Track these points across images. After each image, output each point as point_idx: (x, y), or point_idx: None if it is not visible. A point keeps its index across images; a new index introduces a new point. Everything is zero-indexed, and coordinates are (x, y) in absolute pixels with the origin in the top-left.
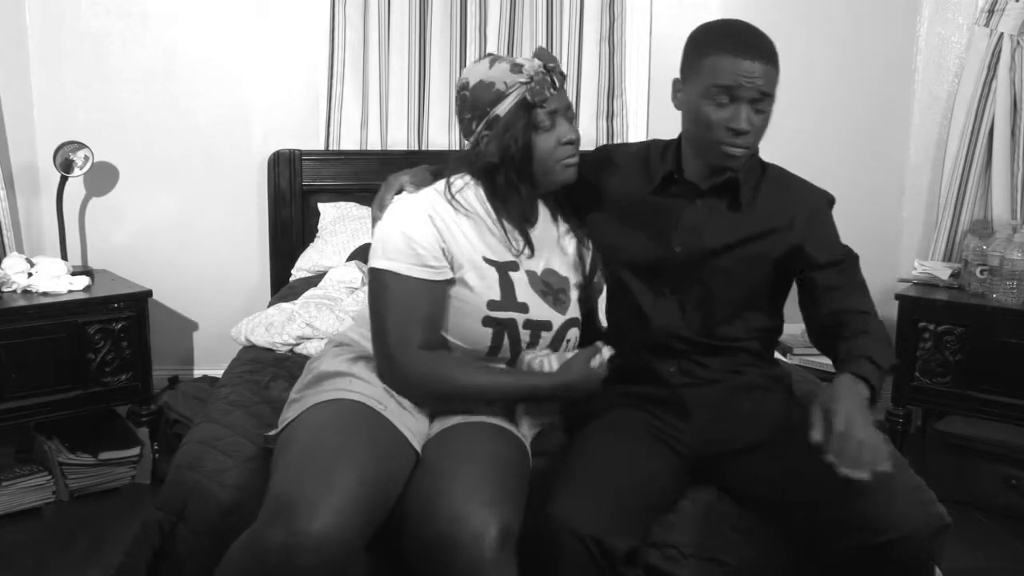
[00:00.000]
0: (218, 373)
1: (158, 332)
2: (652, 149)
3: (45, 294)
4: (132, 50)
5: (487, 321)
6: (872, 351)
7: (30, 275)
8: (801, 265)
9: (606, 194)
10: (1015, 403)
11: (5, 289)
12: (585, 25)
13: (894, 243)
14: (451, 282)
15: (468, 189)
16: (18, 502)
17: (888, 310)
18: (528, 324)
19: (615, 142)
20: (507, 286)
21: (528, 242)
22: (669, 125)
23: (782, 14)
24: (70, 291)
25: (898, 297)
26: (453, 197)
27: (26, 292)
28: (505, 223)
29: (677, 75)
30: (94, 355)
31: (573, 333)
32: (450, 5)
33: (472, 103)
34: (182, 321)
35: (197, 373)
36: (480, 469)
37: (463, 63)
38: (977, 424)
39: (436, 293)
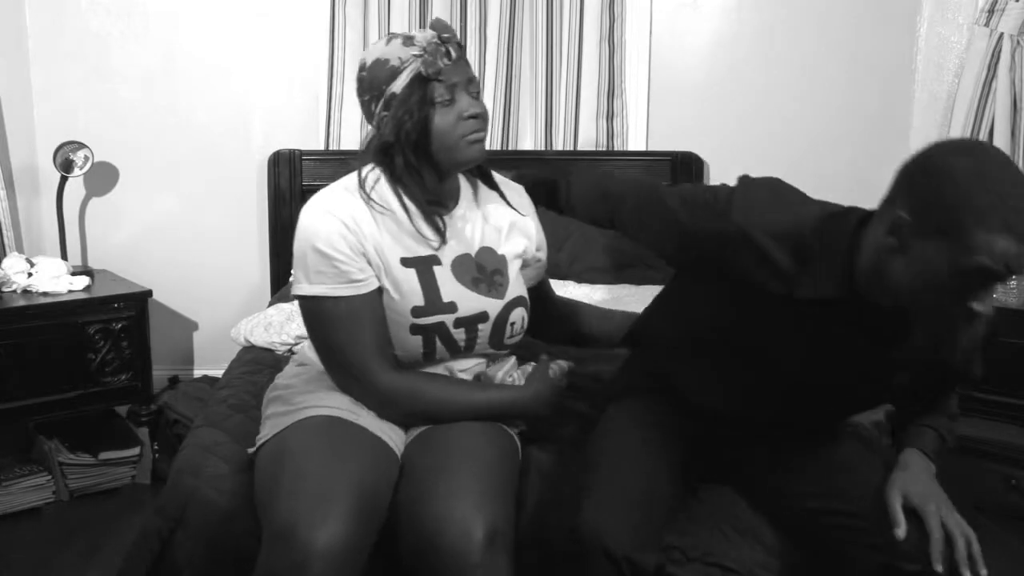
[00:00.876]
0: (218, 373)
1: (158, 332)
2: (817, 242)
3: (45, 294)
4: (132, 50)
5: (415, 329)
6: (938, 423)
7: (30, 275)
8: None
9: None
10: (1017, 403)
11: (5, 289)
12: (585, 25)
13: None
14: (380, 289)
15: (381, 182)
16: (18, 502)
17: None
18: (460, 322)
19: (615, 142)
20: (430, 287)
21: (438, 230)
22: (669, 126)
23: (783, 14)
24: (70, 291)
25: None
26: (368, 194)
27: (26, 292)
28: (410, 211)
29: (678, 73)
30: (94, 355)
31: (517, 315)
32: (450, 5)
33: (369, 83)
34: (182, 321)
35: (197, 373)
36: (463, 468)
37: None
38: (978, 425)
39: (374, 305)
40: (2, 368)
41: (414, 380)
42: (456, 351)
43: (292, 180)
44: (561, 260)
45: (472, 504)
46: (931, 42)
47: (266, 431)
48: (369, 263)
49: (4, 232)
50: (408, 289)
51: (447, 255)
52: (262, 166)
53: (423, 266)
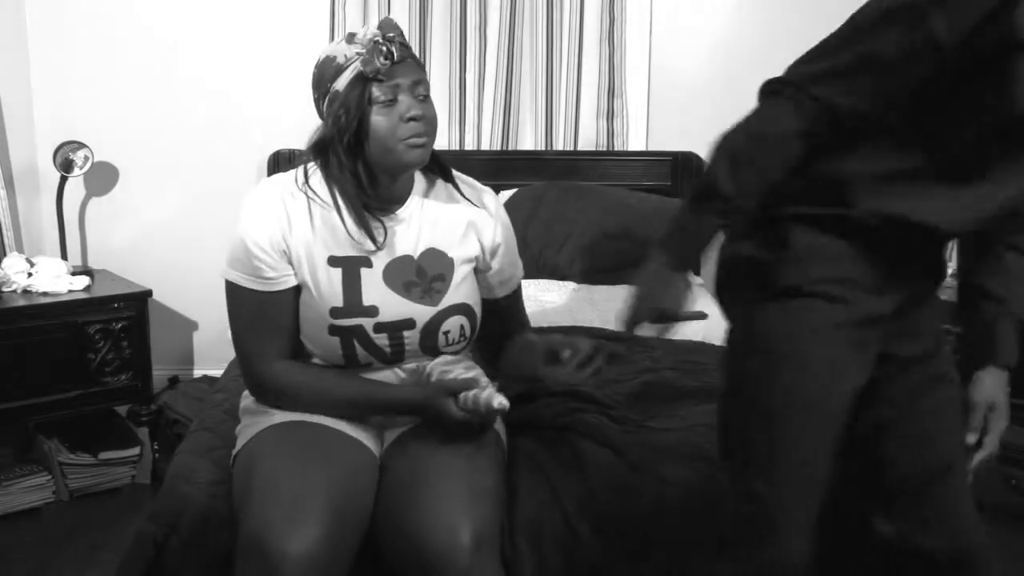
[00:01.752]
0: (218, 373)
1: (158, 332)
2: None
3: (45, 294)
4: (132, 50)
5: (332, 330)
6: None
7: (30, 275)
8: None
9: None
10: (1017, 403)
11: (5, 289)
12: (585, 25)
13: None
14: (297, 288)
15: (320, 180)
16: (18, 502)
17: None
18: (381, 327)
19: (616, 142)
20: (352, 288)
21: (369, 233)
22: (669, 126)
23: (785, 13)
24: (70, 291)
25: None
26: (307, 189)
27: (26, 292)
28: (343, 212)
29: (678, 73)
30: (94, 355)
31: (453, 323)
32: (450, 5)
33: (317, 79)
34: (182, 321)
35: (197, 373)
36: (447, 472)
37: (463, 63)
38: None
39: (279, 303)
40: (2, 368)
41: (303, 369)
42: (383, 358)
43: None
44: (561, 261)
45: (458, 509)
46: None
47: (240, 440)
48: (291, 262)
49: (4, 232)
50: (328, 289)
51: (381, 257)
52: (262, 166)
53: (350, 267)
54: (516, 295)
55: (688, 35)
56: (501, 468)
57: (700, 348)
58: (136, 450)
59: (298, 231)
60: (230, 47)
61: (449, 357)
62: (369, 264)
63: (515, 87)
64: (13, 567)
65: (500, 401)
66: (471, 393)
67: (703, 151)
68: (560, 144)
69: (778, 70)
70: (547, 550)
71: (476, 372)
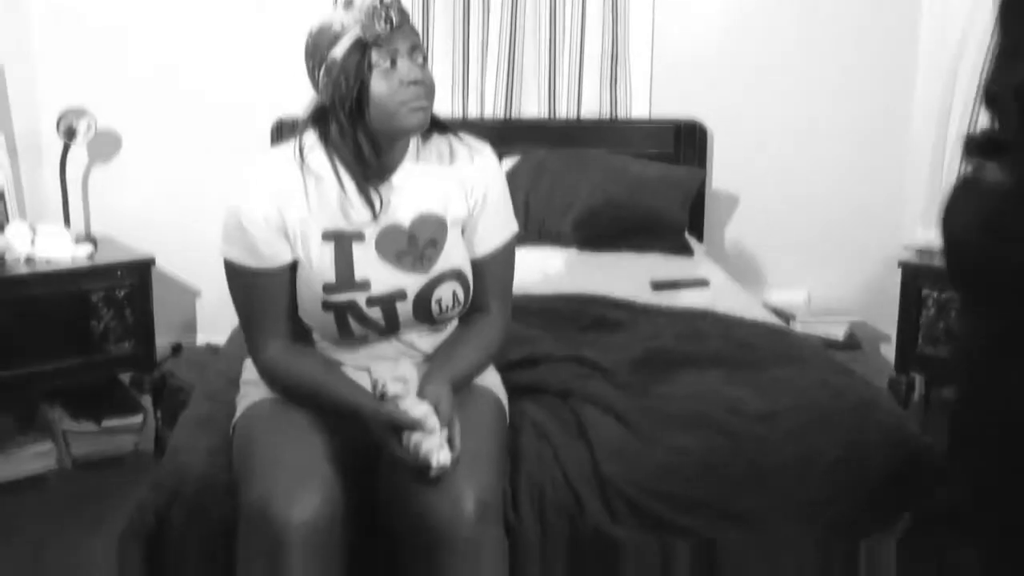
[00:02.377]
0: (222, 340)
1: (161, 300)
2: None
3: (48, 261)
4: (135, 17)
5: (326, 305)
6: None
7: (33, 242)
8: None
9: None
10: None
11: (8, 256)
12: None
13: (897, 211)
14: (294, 264)
15: (319, 148)
16: (22, 470)
17: (891, 277)
18: (373, 301)
19: (618, 110)
20: (344, 263)
21: (370, 203)
22: (673, 94)
23: None
24: (73, 259)
25: (901, 264)
26: (303, 161)
27: (29, 260)
28: (343, 182)
29: (681, 42)
30: (97, 323)
31: (446, 290)
32: None
33: (312, 49)
34: (185, 288)
35: (200, 341)
36: None
37: (467, 30)
38: None
39: (277, 279)
40: (5, 336)
41: (292, 362)
42: (378, 330)
43: None
44: (563, 228)
45: (460, 478)
46: (934, 10)
47: (240, 408)
48: (287, 236)
49: (7, 199)
50: (321, 265)
51: (374, 229)
52: (265, 134)
53: (342, 241)
54: (496, 258)
55: (692, 3)
56: (503, 435)
57: (703, 315)
58: (139, 418)
59: (294, 206)
60: (235, 14)
61: (404, 370)
62: (362, 237)
63: (518, 54)
64: (16, 535)
65: (439, 460)
66: (415, 439)
67: (706, 118)
68: (563, 112)
69: (782, 37)
70: (550, 516)
71: (425, 408)
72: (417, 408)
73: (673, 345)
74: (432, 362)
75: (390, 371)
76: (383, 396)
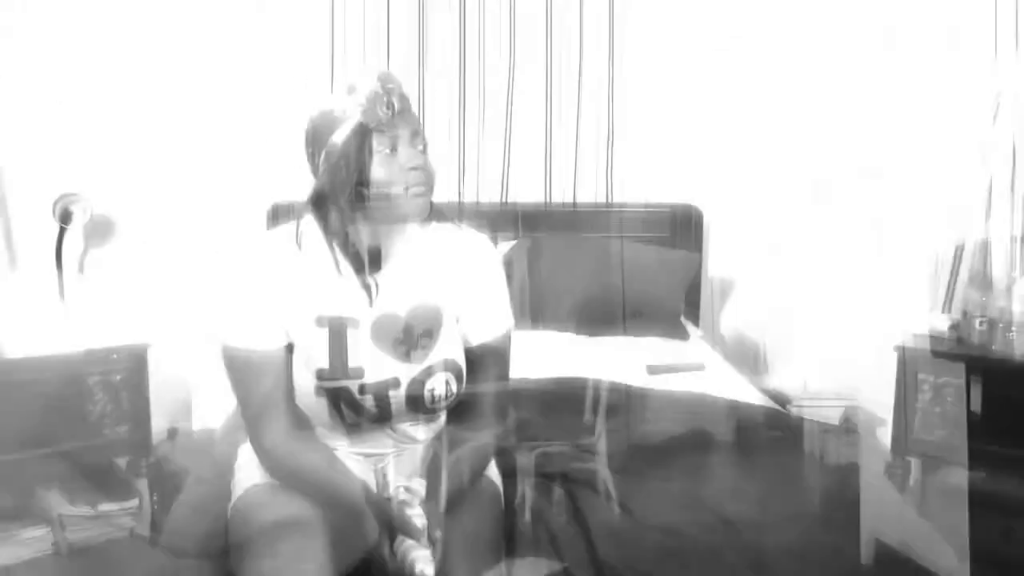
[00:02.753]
0: (216, 425)
1: (157, 385)
2: None
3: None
4: (130, 102)
5: (319, 391)
6: None
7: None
8: None
9: None
10: (1017, 455)
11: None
12: (583, 77)
13: (894, 296)
14: (290, 348)
15: (317, 232)
16: (17, 554)
17: (888, 362)
18: (365, 388)
19: (614, 196)
20: (338, 349)
21: (367, 290)
22: (668, 179)
23: (784, 62)
24: (69, 343)
25: (897, 349)
26: (300, 246)
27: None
28: (340, 268)
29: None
30: (93, 407)
31: (439, 380)
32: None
33: (312, 134)
34: (181, 373)
35: (196, 424)
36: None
37: (463, 115)
38: (976, 476)
39: (273, 362)
40: (1, 419)
41: (296, 448)
42: (371, 417)
43: None
44: (559, 313)
45: (457, 567)
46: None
47: (236, 493)
48: (283, 320)
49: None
50: (318, 349)
51: (370, 315)
52: (261, 218)
53: (337, 327)
54: (489, 351)
55: (690, 86)
56: (499, 520)
57: (699, 399)
58: (135, 502)
59: (291, 291)
60: (229, 100)
61: (417, 485)
62: (356, 324)
63: (514, 140)
64: None
65: (421, 570)
66: (406, 544)
67: (701, 204)
68: (559, 197)
69: (778, 120)
70: None
71: (425, 523)
72: (420, 520)
73: (669, 429)
74: (428, 479)
75: (403, 479)
76: (390, 497)
